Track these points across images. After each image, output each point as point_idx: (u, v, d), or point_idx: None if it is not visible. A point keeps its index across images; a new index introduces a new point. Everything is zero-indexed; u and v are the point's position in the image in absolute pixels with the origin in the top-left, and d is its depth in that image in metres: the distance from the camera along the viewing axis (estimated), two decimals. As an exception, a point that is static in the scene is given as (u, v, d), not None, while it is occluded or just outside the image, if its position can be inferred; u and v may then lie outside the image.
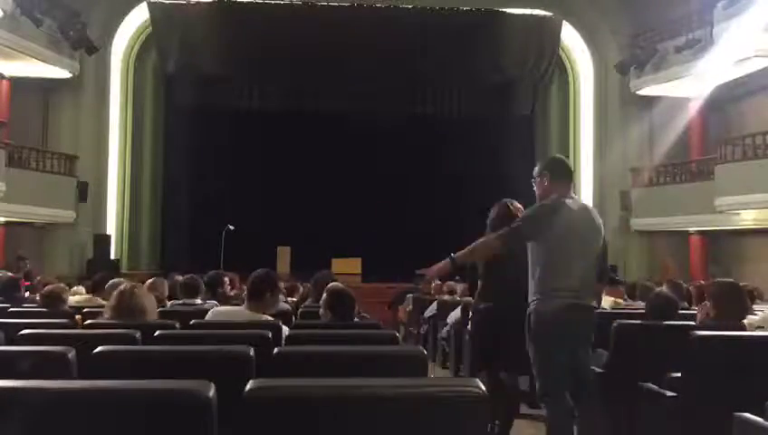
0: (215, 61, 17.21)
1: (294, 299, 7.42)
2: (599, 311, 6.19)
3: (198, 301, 5.32)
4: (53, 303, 5.20)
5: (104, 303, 5.63)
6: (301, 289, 8.53)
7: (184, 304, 5.19)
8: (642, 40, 16.21)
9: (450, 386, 1.80)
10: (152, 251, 18.03)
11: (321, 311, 4.19)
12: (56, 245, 16.09)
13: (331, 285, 4.51)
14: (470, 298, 8.65)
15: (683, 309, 5.74)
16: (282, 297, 7.07)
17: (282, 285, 6.82)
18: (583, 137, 18.20)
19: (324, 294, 4.20)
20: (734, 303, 4.19)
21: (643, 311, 5.35)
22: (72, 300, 5.91)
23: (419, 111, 18.65)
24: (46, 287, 5.58)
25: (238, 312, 4.07)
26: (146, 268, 16.65)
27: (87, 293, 6.57)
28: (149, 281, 5.76)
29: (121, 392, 1.63)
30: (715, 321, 4.15)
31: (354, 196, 18.04)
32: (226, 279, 6.20)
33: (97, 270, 10.43)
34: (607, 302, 6.78)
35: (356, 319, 4.35)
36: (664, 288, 6.20)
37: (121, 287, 3.98)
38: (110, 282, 5.60)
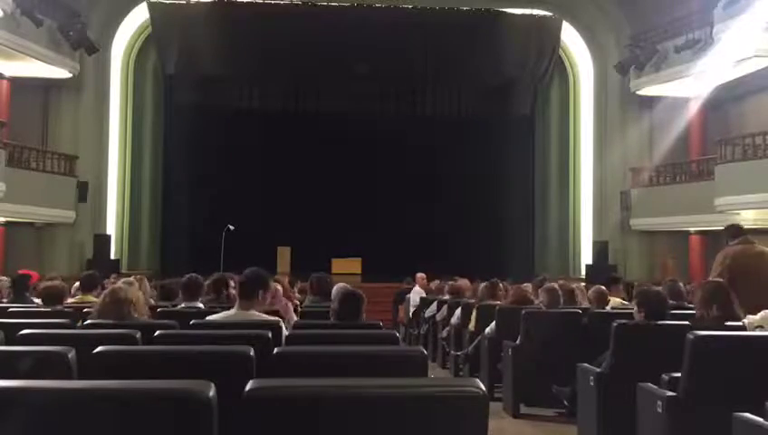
0: (215, 61, 17.21)
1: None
2: (599, 311, 6.22)
3: (200, 304, 5.26)
4: (54, 301, 5.22)
5: (95, 301, 5.66)
6: (296, 291, 8.49)
7: (185, 308, 5.13)
8: (642, 40, 16.21)
9: (450, 386, 1.80)
10: (152, 251, 18.03)
11: (331, 311, 4.21)
12: (56, 245, 16.10)
13: (341, 285, 4.51)
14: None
15: (683, 308, 5.75)
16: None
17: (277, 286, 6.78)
18: (583, 137, 18.20)
19: (335, 295, 4.21)
20: (722, 303, 4.21)
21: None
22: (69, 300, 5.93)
23: (419, 111, 18.66)
24: (46, 285, 5.59)
25: (234, 316, 4.05)
26: (146, 268, 16.65)
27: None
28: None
29: (121, 392, 1.63)
30: (704, 322, 4.17)
31: (354, 196, 18.04)
32: (232, 282, 6.16)
33: (97, 270, 10.44)
34: (613, 302, 6.78)
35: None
36: (661, 288, 6.19)
37: (111, 286, 3.99)
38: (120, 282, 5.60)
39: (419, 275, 12.31)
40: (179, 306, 5.21)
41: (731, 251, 5.33)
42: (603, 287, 6.77)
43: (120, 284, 3.98)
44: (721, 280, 4.71)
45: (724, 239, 5.56)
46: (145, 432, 1.60)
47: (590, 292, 6.80)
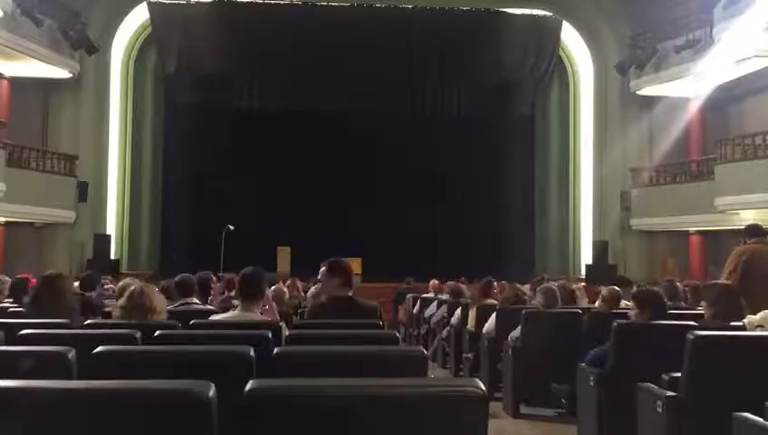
0: (215, 61, 17.22)
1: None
2: (598, 311, 6.21)
3: (195, 299, 5.33)
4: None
5: None
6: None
7: (181, 305, 5.19)
8: (642, 40, 16.21)
9: (450, 386, 1.79)
10: (152, 251, 18.04)
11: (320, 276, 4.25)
12: (56, 245, 16.10)
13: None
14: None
15: (680, 308, 5.75)
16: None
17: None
18: (583, 137, 18.21)
19: (323, 267, 4.24)
20: (731, 305, 4.21)
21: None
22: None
23: (419, 111, 18.66)
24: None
25: (236, 316, 4.06)
26: (146, 268, 16.64)
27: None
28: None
29: (121, 392, 1.63)
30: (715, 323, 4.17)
31: (354, 196, 18.03)
32: (214, 278, 6.23)
33: (97, 270, 10.46)
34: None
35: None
36: (657, 288, 6.17)
37: (131, 288, 4.02)
38: (122, 283, 5.63)
39: (433, 282, 12.17)
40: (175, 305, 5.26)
41: (748, 248, 5.37)
42: (618, 288, 6.64)
43: (141, 287, 3.99)
44: (729, 282, 4.71)
45: (742, 238, 5.61)
46: (145, 432, 1.60)
47: (603, 291, 6.63)
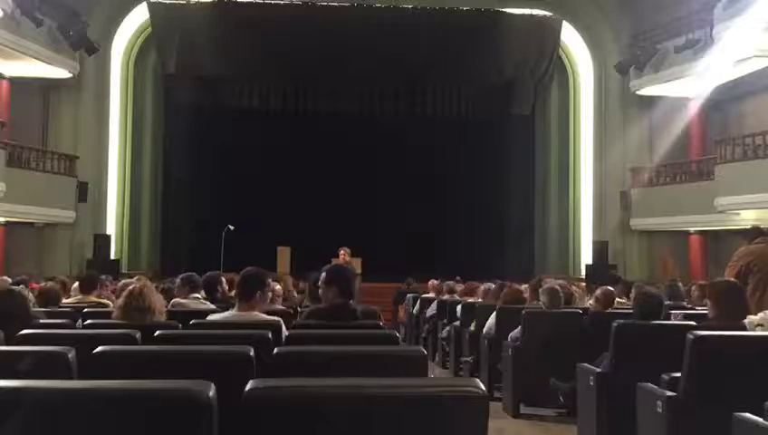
0: (215, 61, 17.21)
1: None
2: (598, 311, 6.22)
3: (199, 295, 5.36)
4: (50, 302, 5.22)
5: (96, 300, 5.73)
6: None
7: (189, 299, 5.24)
8: (642, 40, 16.21)
9: (450, 386, 1.80)
10: (152, 251, 18.03)
11: (320, 291, 4.19)
12: (56, 245, 16.09)
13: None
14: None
15: (682, 308, 5.75)
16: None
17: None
18: (583, 137, 18.20)
19: (323, 273, 4.20)
20: (735, 302, 4.19)
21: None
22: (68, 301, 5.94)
23: (419, 111, 18.64)
24: (42, 286, 5.60)
25: (234, 316, 4.05)
26: (146, 268, 16.64)
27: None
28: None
29: (121, 392, 1.63)
30: (716, 321, 4.15)
31: (354, 196, 18.03)
32: (223, 279, 6.21)
33: (97, 270, 10.45)
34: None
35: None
36: (654, 288, 6.19)
37: (130, 287, 4.03)
38: (123, 282, 5.66)
39: (432, 282, 12.19)
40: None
41: (752, 248, 5.36)
42: (611, 288, 6.65)
43: (140, 286, 3.99)
44: (735, 280, 4.68)
45: (747, 240, 5.59)
46: (145, 432, 1.60)
47: (597, 291, 6.66)
